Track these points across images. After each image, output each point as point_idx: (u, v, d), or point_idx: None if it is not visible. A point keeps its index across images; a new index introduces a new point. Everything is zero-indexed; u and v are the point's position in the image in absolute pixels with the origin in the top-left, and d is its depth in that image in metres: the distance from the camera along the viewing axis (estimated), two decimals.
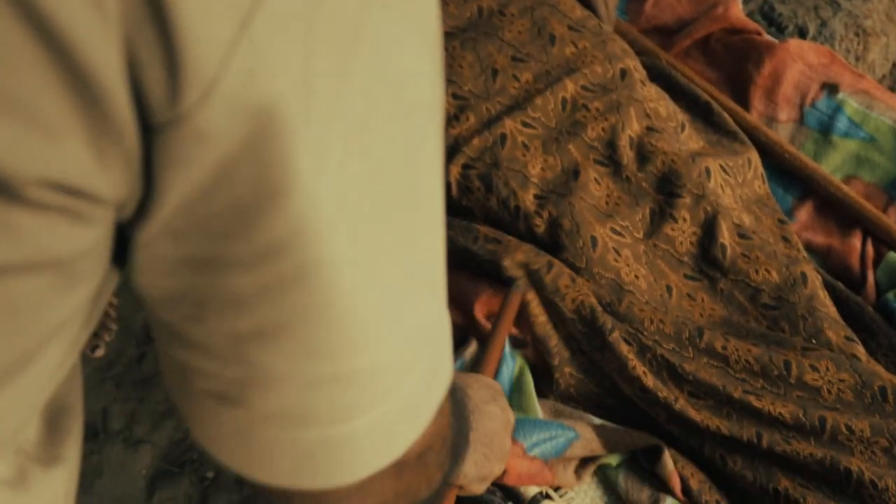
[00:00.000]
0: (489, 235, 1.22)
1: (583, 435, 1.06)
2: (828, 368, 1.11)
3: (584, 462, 1.08)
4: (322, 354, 0.37)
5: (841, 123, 1.36)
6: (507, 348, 1.13)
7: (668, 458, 1.07)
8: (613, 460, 1.08)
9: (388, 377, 0.40)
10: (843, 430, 1.06)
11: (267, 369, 0.37)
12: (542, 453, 1.04)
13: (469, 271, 1.21)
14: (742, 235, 1.23)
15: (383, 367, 0.39)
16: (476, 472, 0.83)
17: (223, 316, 0.37)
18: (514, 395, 1.12)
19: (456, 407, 0.78)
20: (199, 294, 0.37)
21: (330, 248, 0.36)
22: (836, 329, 1.16)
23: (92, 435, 1.67)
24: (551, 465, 1.06)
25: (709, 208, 1.24)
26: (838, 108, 1.37)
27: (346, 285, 0.36)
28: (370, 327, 0.38)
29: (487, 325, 1.16)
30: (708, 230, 1.23)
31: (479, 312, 1.18)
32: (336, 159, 0.34)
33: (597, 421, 1.09)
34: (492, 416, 0.85)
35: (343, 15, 0.33)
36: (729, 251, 1.22)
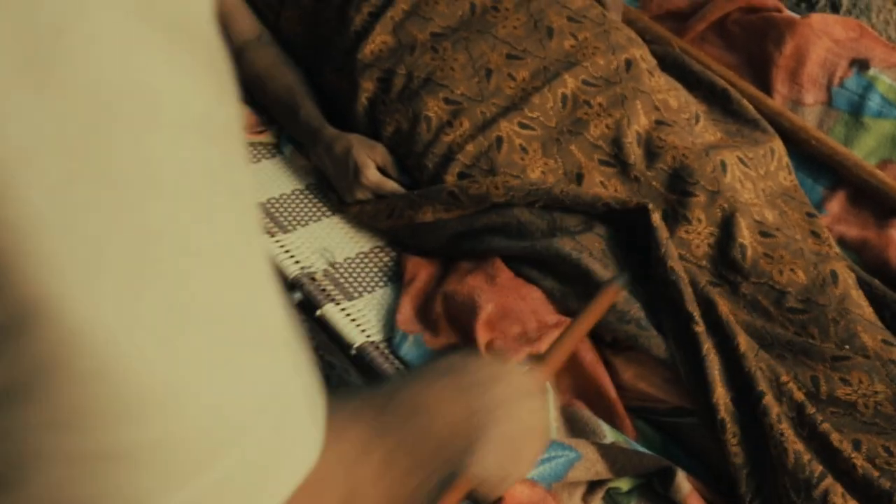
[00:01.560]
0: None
1: (585, 455, 0.96)
2: (860, 380, 1.01)
3: (593, 487, 0.99)
4: (77, 425, 0.32)
5: (873, 102, 1.24)
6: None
7: (682, 481, 0.97)
8: (624, 485, 0.99)
9: (190, 451, 0.34)
10: (882, 452, 0.95)
11: (21, 442, 0.33)
12: (540, 475, 0.95)
13: (484, 270, 1.12)
14: (764, 233, 1.12)
15: (174, 442, 0.33)
16: (496, 461, 0.70)
17: None
18: None
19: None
20: None
21: (59, 283, 0.30)
22: (871, 332, 1.05)
23: None
24: (555, 493, 0.96)
25: (725, 206, 1.13)
26: (870, 86, 1.25)
27: (90, 334, 0.31)
28: (142, 390, 0.32)
29: None
30: (725, 230, 1.12)
31: (482, 336, 1.08)
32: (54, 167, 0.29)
33: (608, 439, 1.00)
34: (515, 418, 0.73)
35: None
36: (749, 251, 1.11)
